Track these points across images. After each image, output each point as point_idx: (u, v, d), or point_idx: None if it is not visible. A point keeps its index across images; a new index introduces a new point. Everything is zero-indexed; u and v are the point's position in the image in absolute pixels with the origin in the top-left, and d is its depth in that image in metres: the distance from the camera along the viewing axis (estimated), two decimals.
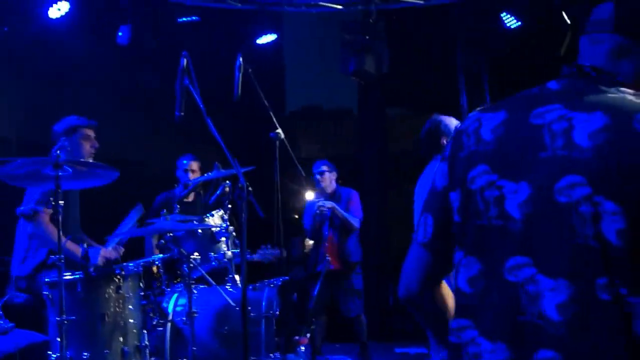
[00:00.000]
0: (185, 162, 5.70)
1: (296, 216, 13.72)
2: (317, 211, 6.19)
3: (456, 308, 1.49)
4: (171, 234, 4.06)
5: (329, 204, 6.16)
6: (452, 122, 4.48)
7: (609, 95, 1.38)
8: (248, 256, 5.40)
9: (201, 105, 3.56)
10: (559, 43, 1.61)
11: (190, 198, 5.55)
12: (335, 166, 6.53)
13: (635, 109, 1.32)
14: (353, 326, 6.19)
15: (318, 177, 6.36)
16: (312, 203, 6.50)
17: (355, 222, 6.22)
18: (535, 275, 1.32)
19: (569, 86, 1.44)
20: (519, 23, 7.07)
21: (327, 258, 5.97)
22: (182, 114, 3.66)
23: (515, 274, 1.35)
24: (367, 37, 6.24)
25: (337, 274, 6.10)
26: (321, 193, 6.41)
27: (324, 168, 6.40)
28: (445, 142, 4.36)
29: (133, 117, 8.02)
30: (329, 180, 6.37)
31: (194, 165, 5.73)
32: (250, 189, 3.69)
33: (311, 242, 7.04)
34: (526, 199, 1.35)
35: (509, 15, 7.10)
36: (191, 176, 5.59)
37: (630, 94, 1.38)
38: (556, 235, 1.31)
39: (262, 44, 7.81)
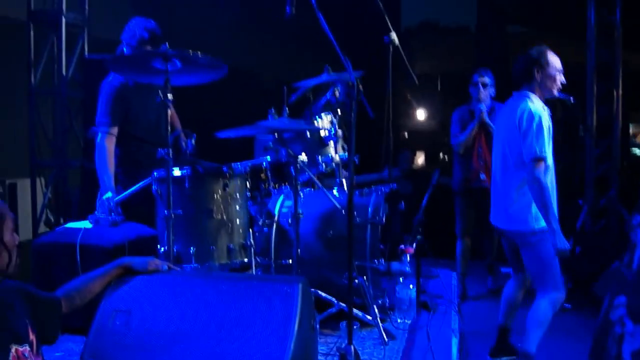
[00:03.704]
0: None
1: (406, 134, 13.47)
2: (477, 119, 5.87)
3: None
4: (279, 135, 3.98)
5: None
6: (556, 60, 4.14)
7: None
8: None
9: (312, 1, 3.39)
10: None
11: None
12: (452, 86, 6.23)
13: None
14: (484, 245, 6.18)
15: (480, 87, 5.92)
16: (463, 109, 6.13)
17: None
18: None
19: None
20: None
21: (482, 176, 5.84)
22: (294, 10, 3.51)
23: None
24: None
25: (488, 193, 5.77)
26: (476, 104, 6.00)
27: (486, 79, 5.97)
28: (537, 73, 4.07)
29: (244, 22, 7.88)
30: (488, 93, 5.96)
31: None
32: (360, 88, 3.54)
33: (421, 158, 6.87)
34: None
35: None
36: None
37: None
38: None
39: None
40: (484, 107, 5.87)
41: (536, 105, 4.01)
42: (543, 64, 4.10)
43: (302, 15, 3.44)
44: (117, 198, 3.93)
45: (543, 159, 3.84)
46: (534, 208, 3.91)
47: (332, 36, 3.29)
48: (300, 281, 2.57)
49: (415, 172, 8.91)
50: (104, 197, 3.97)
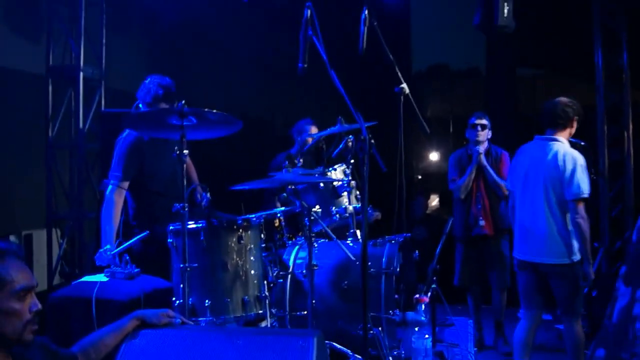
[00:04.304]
0: (307, 127, 5.78)
1: (419, 176, 13.51)
2: (475, 160, 5.74)
3: None
4: (293, 187, 4.03)
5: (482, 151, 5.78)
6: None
7: None
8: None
9: (324, 57, 3.48)
10: None
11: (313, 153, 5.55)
12: (463, 128, 6.09)
13: None
14: (492, 299, 5.83)
15: (479, 129, 5.79)
16: (460, 152, 6.01)
17: (504, 186, 5.56)
18: None
19: None
20: None
21: (481, 222, 5.69)
22: (305, 66, 3.60)
23: None
24: None
25: (489, 240, 5.75)
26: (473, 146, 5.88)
27: (485, 121, 5.84)
28: (575, 121, 4.54)
29: (255, 74, 8.02)
30: (486, 135, 5.83)
31: (314, 129, 5.80)
32: (372, 141, 3.59)
33: (435, 201, 6.81)
34: None
35: None
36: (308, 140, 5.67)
37: None
38: None
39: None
40: (481, 149, 5.77)
41: (571, 148, 4.48)
42: (580, 114, 4.58)
43: (316, 67, 3.52)
44: (114, 251, 3.97)
45: (587, 198, 4.29)
46: (575, 242, 4.36)
47: (343, 91, 3.37)
48: (315, 335, 2.58)
49: (429, 217, 8.92)
50: (102, 249, 4.02)
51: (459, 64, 15.42)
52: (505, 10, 5.78)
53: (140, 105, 4.39)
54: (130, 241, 3.94)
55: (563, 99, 4.60)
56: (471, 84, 14.13)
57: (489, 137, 5.89)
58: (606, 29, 7.21)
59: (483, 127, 5.82)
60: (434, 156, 14.04)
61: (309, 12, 3.58)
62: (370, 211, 4.90)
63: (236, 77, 7.45)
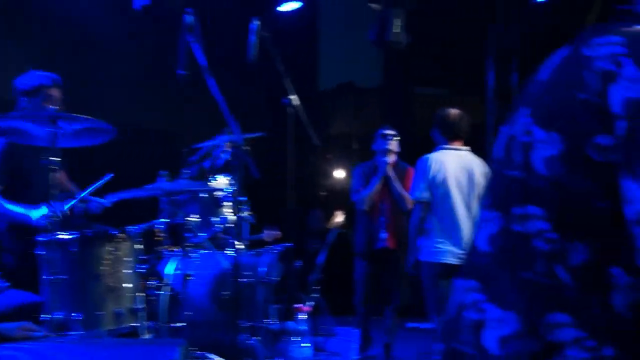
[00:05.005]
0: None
1: (323, 192, 13.58)
2: (382, 171, 5.58)
3: None
4: (174, 197, 3.97)
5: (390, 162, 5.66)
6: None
7: None
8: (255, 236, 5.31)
9: (203, 64, 3.46)
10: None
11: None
12: (367, 145, 5.95)
13: None
14: (385, 314, 5.53)
15: (390, 137, 5.66)
16: (367, 164, 5.86)
17: (409, 201, 5.25)
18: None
19: None
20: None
21: (384, 234, 5.54)
22: (186, 73, 3.57)
23: None
24: (391, 5, 5.96)
25: (391, 255, 5.59)
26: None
27: (393, 133, 5.72)
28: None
29: (142, 83, 7.78)
30: (396, 145, 5.71)
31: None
32: (247, 148, 3.60)
33: (339, 217, 6.69)
34: None
35: None
36: None
37: None
38: None
39: (287, 12, 7.59)
40: (390, 160, 5.62)
41: None
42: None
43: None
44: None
45: None
46: None
47: (221, 99, 3.37)
48: (180, 344, 2.54)
49: (327, 231, 8.94)
50: None
51: (366, 81, 15.74)
52: (396, 26, 5.92)
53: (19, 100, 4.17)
54: (93, 186, 3.77)
55: (460, 112, 4.78)
56: (376, 102, 14.44)
57: (399, 150, 5.77)
58: (499, 51, 7.52)
59: (394, 136, 5.71)
60: (339, 173, 14.20)
61: (189, 18, 3.56)
62: (270, 231, 4.88)
63: (122, 85, 7.26)
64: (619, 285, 1.08)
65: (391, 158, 5.68)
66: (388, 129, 5.80)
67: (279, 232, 5.01)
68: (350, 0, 11.95)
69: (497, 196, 1.26)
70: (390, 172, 5.63)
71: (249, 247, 3.98)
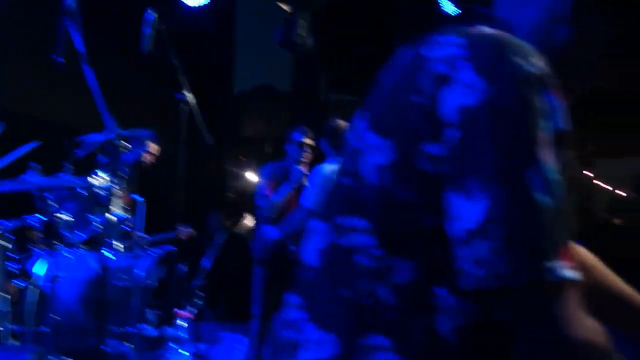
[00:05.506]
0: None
1: (231, 194, 13.42)
2: (296, 182, 5.25)
3: None
4: (48, 193, 3.74)
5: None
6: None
7: None
8: (165, 234, 5.09)
9: (81, 50, 3.27)
10: None
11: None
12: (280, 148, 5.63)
13: None
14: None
15: (306, 149, 5.36)
16: (276, 165, 5.56)
17: None
18: None
19: None
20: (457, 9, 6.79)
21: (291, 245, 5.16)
22: (64, 59, 3.37)
23: None
24: (296, 6, 5.83)
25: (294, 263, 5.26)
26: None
27: (308, 140, 5.39)
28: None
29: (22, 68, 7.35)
30: (308, 159, 5.40)
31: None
32: (122, 143, 3.43)
33: (247, 219, 6.49)
34: None
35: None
36: None
37: None
38: None
39: (198, 9, 7.34)
40: (305, 170, 5.33)
41: None
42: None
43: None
44: None
45: None
46: None
47: (97, 91, 3.18)
48: (33, 351, 2.37)
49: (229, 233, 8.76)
50: None
51: (282, 85, 15.64)
52: (300, 28, 5.78)
53: None
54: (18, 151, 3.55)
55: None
56: (290, 106, 14.39)
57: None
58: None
59: (310, 147, 5.41)
60: (250, 176, 14.03)
61: (70, 1, 3.36)
62: (183, 229, 4.70)
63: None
64: (444, 308, 0.99)
65: (305, 169, 5.39)
66: (303, 132, 5.53)
67: (192, 230, 4.86)
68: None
69: (327, 206, 1.15)
70: (305, 183, 5.28)
71: (136, 247, 3.81)
